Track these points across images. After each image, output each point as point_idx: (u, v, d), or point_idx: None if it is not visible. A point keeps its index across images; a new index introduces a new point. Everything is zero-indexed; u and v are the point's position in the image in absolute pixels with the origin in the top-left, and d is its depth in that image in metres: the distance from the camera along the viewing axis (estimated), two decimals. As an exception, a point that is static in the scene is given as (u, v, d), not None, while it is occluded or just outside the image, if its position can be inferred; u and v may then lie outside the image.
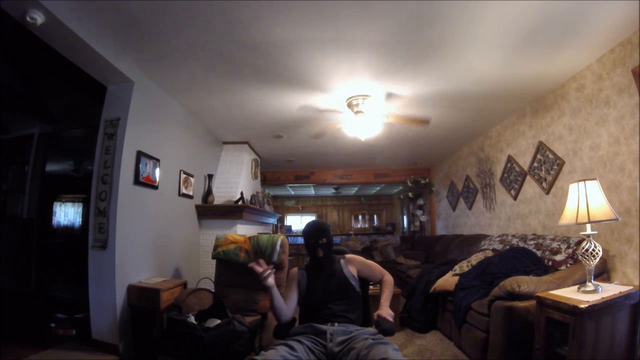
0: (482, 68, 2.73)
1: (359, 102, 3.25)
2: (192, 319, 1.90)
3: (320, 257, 1.76)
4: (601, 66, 2.55)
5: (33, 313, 3.19)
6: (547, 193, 3.24)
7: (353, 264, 1.84)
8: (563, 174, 3.03)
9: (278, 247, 2.64)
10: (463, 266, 3.27)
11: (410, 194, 6.89)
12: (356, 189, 10.13)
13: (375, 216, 11.78)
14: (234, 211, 4.07)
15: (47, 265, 3.60)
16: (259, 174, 5.63)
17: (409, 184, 6.69)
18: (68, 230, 4.03)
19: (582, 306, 1.67)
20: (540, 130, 3.34)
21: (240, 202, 4.14)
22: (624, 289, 1.93)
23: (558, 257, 2.57)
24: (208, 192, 4.11)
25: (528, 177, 3.57)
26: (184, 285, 2.80)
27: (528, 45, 2.38)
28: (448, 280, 3.12)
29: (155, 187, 3.00)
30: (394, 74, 2.82)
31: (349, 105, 3.33)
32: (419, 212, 6.86)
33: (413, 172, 6.86)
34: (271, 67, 2.69)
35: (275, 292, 1.60)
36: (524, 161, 3.63)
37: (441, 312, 3.20)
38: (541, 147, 3.32)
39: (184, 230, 3.63)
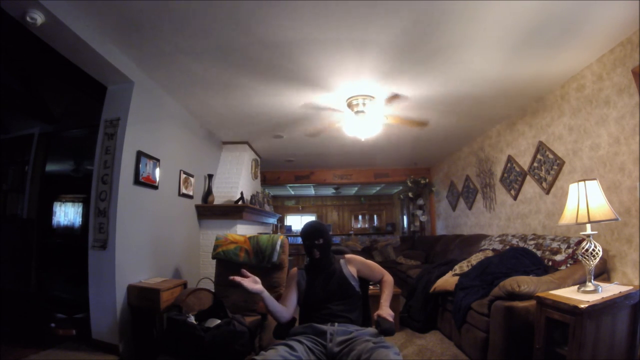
0: (482, 68, 2.73)
1: (359, 102, 3.25)
2: (192, 319, 1.90)
3: (317, 258, 1.76)
4: (601, 66, 2.55)
5: (33, 313, 3.19)
6: (547, 193, 3.24)
7: (353, 264, 1.84)
8: (563, 174, 3.03)
9: (278, 247, 2.64)
10: (463, 266, 3.27)
11: (410, 194, 6.90)
12: (356, 189, 10.13)
13: (375, 216, 11.78)
14: (234, 211, 4.07)
15: (47, 265, 3.60)
16: (259, 174, 5.63)
17: (409, 184, 6.69)
18: (68, 230, 4.03)
19: (582, 306, 1.67)
20: (540, 130, 3.34)
21: (240, 202, 4.14)
22: (624, 289, 1.93)
23: (558, 257, 2.57)
24: (208, 192, 4.11)
25: (528, 177, 3.57)
26: (184, 285, 2.80)
27: (528, 45, 2.38)
28: (448, 280, 3.12)
29: (155, 187, 3.00)
30: (394, 74, 2.82)
31: (349, 105, 3.34)
32: (419, 212, 6.86)
33: (413, 172, 6.86)
34: (271, 67, 2.69)
35: (267, 296, 1.58)
36: (524, 161, 3.63)
37: (441, 312, 3.20)
38: (541, 147, 3.32)
39: (184, 230, 3.63)
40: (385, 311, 1.62)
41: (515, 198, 3.81)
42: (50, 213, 3.94)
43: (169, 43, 2.34)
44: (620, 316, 1.84)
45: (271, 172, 6.92)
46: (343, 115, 3.58)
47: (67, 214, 4.16)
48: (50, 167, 3.88)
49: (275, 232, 6.96)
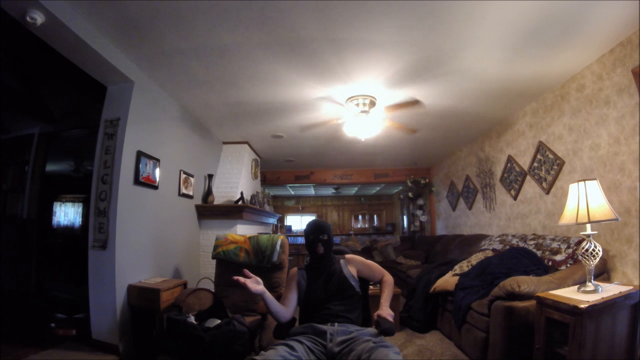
0: (482, 68, 2.73)
1: (359, 101, 3.25)
2: (192, 319, 1.90)
3: (320, 254, 1.76)
4: (601, 66, 2.55)
5: (33, 313, 3.19)
6: (547, 193, 3.24)
7: (353, 264, 1.84)
8: (563, 174, 3.03)
9: (278, 247, 2.64)
10: (463, 266, 3.27)
11: (410, 194, 6.90)
12: (356, 189, 10.13)
13: (375, 216, 11.77)
14: (234, 211, 4.07)
15: (47, 265, 3.61)
16: (259, 174, 5.63)
17: (409, 184, 6.69)
18: (68, 230, 4.03)
19: (582, 306, 1.67)
20: (540, 130, 3.34)
21: (240, 202, 4.14)
22: (624, 289, 1.93)
23: (558, 257, 2.57)
24: (208, 192, 4.11)
25: (528, 177, 3.57)
26: (184, 285, 2.80)
27: (528, 45, 2.38)
28: (448, 280, 3.12)
29: (155, 187, 3.00)
30: (395, 74, 2.82)
31: (350, 105, 3.33)
32: (419, 212, 6.86)
33: (413, 172, 6.86)
34: (271, 67, 2.69)
35: (268, 296, 1.57)
36: (524, 161, 3.63)
37: (441, 312, 3.20)
38: (541, 147, 3.32)
39: (184, 230, 3.63)
40: (385, 311, 1.62)
41: (515, 198, 3.81)
42: (50, 213, 3.95)
43: (169, 43, 2.34)
44: (620, 316, 1.84)
45: (271, 172, 6.93)
46: (343, 114, 3.58)
47: (67, 214, 4.16)
48: (50, 167, 3.88)
49: (275, 232, 6.96)
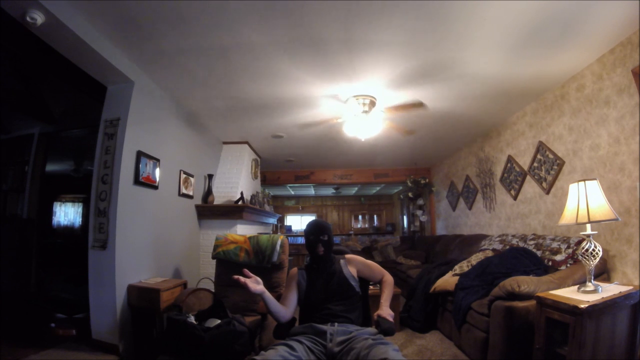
0: (482, 68, 2.73)
1: (359, 101, 3.25)
2: (192, 319, 1.90)
3: (321, 254, 1.76)
4: (601, 66, 2.55)
5: (33, 313, 3.19)
6: (547, 193, 3.24)
7: (353, 264, 1.84)
8: (563, 174, 3.03)
9: (278, 247, 2.64)
10: (463, 266, 3.27)
11: (410, 194, 6.90)
12: (356, 189, 10.13)
13: (375, 216, 11.78)
14: (234, 211, 4.07)
15: (47, 265, 3.60)
16: (259, 174, 5.64)
17: (409, 184, 6.69)
18: (68, 230, 4.03)
19: (582, 306, 1.67)
20: (540, 130, 3.34)
21: (240, 202, 4.14)
22: (624, 289, 1.93)
23: (558, 257, 2.57)
24: (208, 192, 4.11)
25: (528, 177, 3.57)
26: (184, 285, 2.80)
27: (528, 45, 2.38)
28: (448, 280, 3.12)
29: (155, 187, 3.00)
30: (395, 74, 2.82)
31: (350, 105, 3.33)
32: (419, 212, 6.86)
33: (413, 172, 6.86)
34: (271, 67, 2.69)
35: (268, 296, 1.57)
36: (524, 161, 3.63)
37: (441, 312, 3.20)
38: (541, 147, 3.32)
39: (184, 230, 3.63)
40: (385, 311, 1.62)
41: (515, 198, 3.81)
42: (50, 213, 3.94)
43: (169, 43, 2.34)
44: (620, 316, 1.84)
45: (271, 172, 6.92)
46: (344, 113, 3.58)
47: (67, 214, 4.15)
48: (50, 167, 3.88)
49: (275, 232, 6.96)
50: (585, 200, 1.97)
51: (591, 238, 1.94)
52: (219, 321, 1.91)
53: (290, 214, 11.62)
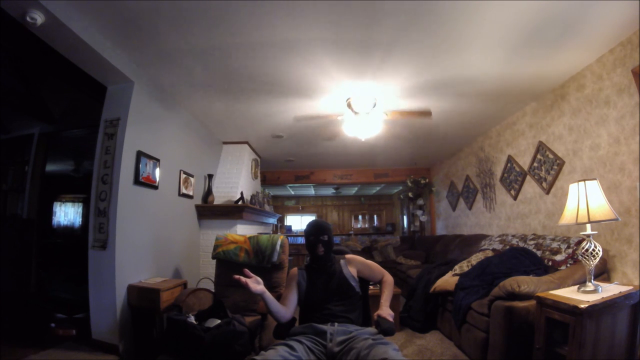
0: (482, 68, 2.73)
1: (359, 102, 3.25)
2: (192, 319, 1.90)
3: (321, 254, 1.75)
4: (601, 66, 2.55)
5: (33, 313, 3.19)
6: (547, 193, 3.24)
7: (353, 264, 1.84)
8: (563, 174, 3.03)
9: (278, 247, 2.64)
10: (463, 266, 3.27)
11: (410, 194, 6.90)
12: (356, 189, 10.13)
13: (375, 216, 11.77)
14: (234, 211, 4.07)
15: (47, 265, 3.60)
16: (259, 174, 5.63)
17: (409, 184, 6.69)
18: (68, 230, 4.02)
19: (582, 306, 1.67)
20: (540, 130, 3.34)
21: (240, 202, 4.13)
22: (624, 289, 1.93)
23: (558, 257, 2.57)
24: (208, 192, 4.11)
25: (528, 177, 3.57)
26: (184, 285, 2.80)
27: (528, 45, 2.38)
28: (448, 280, 3.12)
29: (155, 187, 3.00)
30: (395, 74, 2.82)
31: (349, 106, 3.33)
32: (419, 212, 6.86)
33: (413, 172, 6.86)
34: (271, 67, 2.69)
35: (268, 296, 1.57)
36: (524, 161, 3.63)
37: (441, 312, 3.20)
38: (541, 147, 3.32)
39: (184, 230, 3.63)
40: (385, 311, 1.62)
41: (515, 198, 3.81)
42: (50, 213, 3.94)
43: (170, 43, 2.34)
44: (620, 316, 1.84)
45: (271, 172, 6.92)
46: (344, 116, 3.58)
47: (67, 214, 4.15)
48: (50, 167, 3.88)
49: (275, 232, 6.96)
50: (585, 200, 1.97)
51: (591, 238, 1.94)
52: (219, 321, 1.91)
53: (290, 214, 11.62)
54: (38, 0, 1.75)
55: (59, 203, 4.10)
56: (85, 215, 3.83)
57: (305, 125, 4.06)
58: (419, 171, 6.93)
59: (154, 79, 2.90)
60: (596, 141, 2.63)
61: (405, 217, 8.91)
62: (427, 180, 6.68)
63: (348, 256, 1.89)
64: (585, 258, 1.94)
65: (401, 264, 5.49)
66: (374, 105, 3.34)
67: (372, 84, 3.01)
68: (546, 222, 3.28)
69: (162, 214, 3.13)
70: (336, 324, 1.59)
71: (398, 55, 2.53)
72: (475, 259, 3.28)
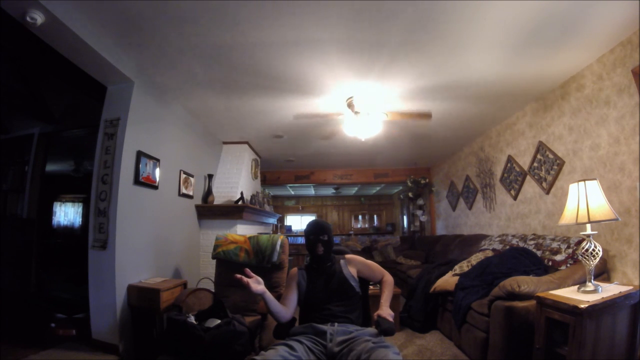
0: (483, 68, 2.73)
1: (360, 102, 3.25)
2: (192, 319, 1.90)
3: (320, 254, 1.75)
4: (601, 66, 2.55)
5: (33, 313, 3.19)
6: (547, 193, 3.24)
7: (353, 264, 1.84)
8: (563, 174, 3.03)
9: (278, 247, 2.64)
10: (463, 266, 3.27)
11: (410, 194, 6.90)
12: (356, 189, 10.13)
13: (375, 216, 11.78)
14: (234, 211, 4.07)
15: (47, 265, 3.60)
16: (259, 174, 5.63)
17: (409, 184, 6.69)
18: (68, 230, 4.03)
19: (582, 306, 1.67)
20: (540, 130, 3.34)
21: (240, 202, 4.13)
22: (624, 289, 1.93)
23: (558, 257, 2.57)
24: (208, 192, 4.11)
25: (528, 177, 3.57)
26: (184, 285, 2.80)
27: (528, 45, 2.38)
28: (448, 281, 3.12)
29: (155, 187, 3.00)
30: (395, 74, 2.82)
31: (349, 106, 3.33)
32: (419, 212, 6.86)
33: (413, 172, 6.86)
34: (271, 67, 2.69)
35: (268, 296, 1.57)
36: (524, 161, 3.63)
37: (441, 312, 3.20)
38: (541, 147, 3.32)
39: (184, 230, 3.63)
40: (385, 311, 1.62)
41: (515, 198, 3.81)
42: (50, 213, 3.94)
43: (169, 43, 2.34)
44: (620, 316, 1.84)
45: (271, 172, 6.92)
46: (344, 116, 3.58)
47: (67, 214, 4.16)
48: (50, 167, 3.88)
49: (275, 232, 6.96)
50: (585, 200, 1.97)
51: (591, 238, 1.94)
52: (219, 321, 1.91)
53: (290, 214, 11.62)
54: (38, 0, 1.75)
55: (59, 203, 4.11)
56: (85, 215, 3.84)
57: (305, 123, 4.06)
58: (419, 171, 6.93)
59: (154, 78, 2.90)
60: (596, 141, 2.63)
61: (405, 217, 8.91)
62: (427, 180, 6.68)
63: (348, 256, 1.89)
64: (585, 258, 1.94)
65: (401, 264, 5.49)
66: (375, 106, 3.34)
67: (373, 84, 3.01)
68: (546, 222, 3.28)
69: (162, 214, 3.13)
70: (336, 324, 1.59)
71: (402, 57, 2.53)
72: (475, 259, 3.28)
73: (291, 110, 3.59)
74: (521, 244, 3.12)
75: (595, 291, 1.88)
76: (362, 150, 5.34)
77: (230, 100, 3.36)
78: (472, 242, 4.19)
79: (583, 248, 1.94)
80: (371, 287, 2.17)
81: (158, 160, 3.02)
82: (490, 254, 3.26)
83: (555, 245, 2.71)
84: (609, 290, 1.92)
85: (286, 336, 1.60)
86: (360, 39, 2.29)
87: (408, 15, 2.05)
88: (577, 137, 2.84)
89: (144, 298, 2.50)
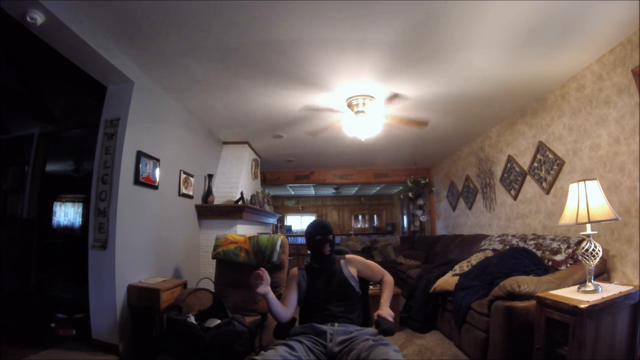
0: (483, 68, 2.73)
1: (360, 102, 3.25)
2: (192, 319, 1.90)
3: (327, 254, 1.77)
4: (601, 66, 2.55)
5: (33, 313, 3.19)
6: (547, 193, 3.24)
7: (353, 264, 1.84)
8: (563, 174, 3.03)
9: (278, 247, 2.64)
10: (463, 266, 3.27)
11: (410, 194, 6.90)
12: (356, 189, 10.13)
13: (375, 216, 11.78)
14: (234, 211, 4.07)
15: (47, 265, 3.60)
16: (259, 174, 5.63)
17: (409, 184, 6.69)
18: (68, 230, 4.03)
19: (582, 306, 1.67)
20: (540, 130, 3.34)
21: (240, 202, 4.13)
22: (624, 289, 1.93)
23: (558, 257, 2.57)
24: (208, 192, 4.11)
25: (528, 177, 3.57)
26: (184, 285, 2.80)
27: (528, 45, 2.38)
28: (448, 281, 3.12)
29: (155, 187, 3.00)
30: (395, 75, 2.82)
31: (349, 105, 3.33)
32: (419, 212, 6.86)
33: (413, 172, 6.86)
34: (271, 67, 2.69)
35: (271, 297, 1.58)
36: (524, 161, 3.63)
37: (441, 312, 3.20)
38: (541, 147, 3.32)
39: (184, 230, 3.63)
40: (385, 311, 1.62)
41: (515, 198, 3.81)
42: (50, 213, 3.94)
43: (169, 43, 2.34)
44: (620, 316, 1.84)
45: (271, 172, 6.92)
46: (343, 114, 3.58)
47: (67, 214, 4.16)
48: (50, 167, 3.88)
49: (275, 232, 6.96)
50: (585, 200, 1.97)
51: (591, 238, 1.94)
52: (219, 321, 1.91)
53: (290, 214, 11.62)
54: (38, 0, 1.75)
55: (59, 203, 4.11)
56: (85, 215, 3.84)
57: (305, 121, 4.05)
58: (419, 171, 6.93)
59: (154, 79, 2.90)
60: (596, 141, 2.63)
61: (405, 217, 8.91)
62: (427, 180, 6.68)
63: (348, 256, 1.89)
64: (585, 258, 1.94)
65: (401, 264, 5.49)
66: (374, 106, 3.34)
67: (374, 84, 3.01)
68: (546, 222, 3.28)
69: (162, 214, 3.13)
70: (336, 324, 1.59)
71: (402, 57, 2.52)
72: (475, 259, 3.28)
73: (292, 108, 3.58)
74: (521, 244, 3.12)
75: (595, 291, 1.88)
76: (362, 150, 5.34)
77: (231, 100, 3.36)
78: (472, 242, 4.19)
79: (583, 248, 1.94)
80: (371, 287, 2.17)
81: (158, 160, 3.02)
82: (490, 254, 3.26)
83: (555, 245, 2.71)
84: (609, 290, 1.92)
85: (286, 336, 1.60)
86: (360, 39, 2.29)
87: (408, 15, 2.04)
88: (577, 137, 2.84)
89: (144, 298, 2.50)
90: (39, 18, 1.84)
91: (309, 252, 1.88)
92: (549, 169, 3.21)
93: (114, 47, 2.39)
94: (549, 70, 2.76)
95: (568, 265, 2.45)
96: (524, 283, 2.13)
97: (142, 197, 2.83)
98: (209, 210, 4.02)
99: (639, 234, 2.23)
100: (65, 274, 3.57)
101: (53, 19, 1.88)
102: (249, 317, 2.27)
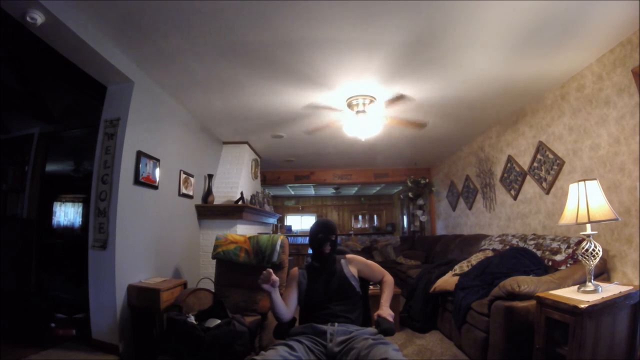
0: (483, 68, 2.73)
1: (360, 102, 3.25)
2: (192, 319, 1.90)
3: (327, 253, 1.78)
4: (601, 66, 2.55)
5: (33, 313, 3.19)
6: (547, 193, 3.24)
7: (353, 264, 1.84)
8: (563, 174, 3.03)
9: (278, 247, 2.64)
10: (463, 266, 3.27)
11: (410, 194, 6.89)
12: (356, 189, 10.13)
13: (375, 216, 11.77)
14: (234, 211, 4.07)
15: (47, 265, 3.60)
16: (259, 174, 5.63)
17: (409, 184, 6.69)
18: (68, 230, 4.02)
19: (582, 306, 1.67)
20: (540, 130, 3.34)
21: (240, 202, 4.13)
22: (624, 289, 1.93)
23: (558, 257, 2.57)
24: (208, 192, 4.11)
25: (528, 177, 3.57)
26: (184, 285, 2.80)
27: (528, 45, 2.38)
28: (448, 280, 3.12)
29: (155, 187, 3.00)
30: (395, 75, 2.82)
31: (349, 105, 3.33)
32: (419, 212, 6.86)
33: (413, 172, 6.86)
34: (271, 67, 2.69)
35: (275, 296, 1.60)
36: (524, 161, 3.63)
37: (441, 312, 3.20)
38: (541, 147, 3.32)
39: (184, 230, 3.63)
40: (386, 311, 1.62)
41: (515, 198, 3.81)
42: (50, 213, 3.93)
43: (169, 43, 2.34)
44: (620, 316, 1.84)
45: (271, 172, 6.92)
46: (343, 114, 3.58)
47: (67, 214, 4.15)
48: (50, 167, 3.88)
49: (275, 232, 6.96)
50: (585, 200, 1.97)
51: (591, 238, 1.94)
52: (219, 321, 1.91)
53: (290, 214, 11.62)
54: (38, 0, 1.75)
55: (59, 203, 4.10)
56: (85, 215, 3.83)
57: (304, 120, 4.05)
58: (419, 171, 6.93)
59: (154, 79, 2.90)
60: (596, 141, 2.63)
61: (405, 217, 8.91)
62: (427, 180, 6.68)
63: (349, 256, 1.89)
64: (585, 258, 1.94)
65: (401, 264, 5.49)
66: (375, 106, 3.34)
67: (374, 84, 3.01)
68: (546, 222, 3.28)
69: (162, 214, 3.13)
70: (336, 324, 1.59)
71: (402, 57, 2.52)
72: (475, 259, 3.28)
73: (292, 109, 3.58)
74: (521, 244, 3.12)
75: (595, 291, 1.88)
76: (362, 150, 5.34)
77: (231, 100, 3.36)
78: (472, 242, 4.19)
79: (583, 248, 1.94)
80: (371, 287, 2.17)
81: (158, 160, 3.02)
82: (490, 254, 3.26)
83: (555, 245, 2.71)
84: (609, 290, 1.92)
85: (286, 336, 1.60)
86: (360, 38, 2.29)
87: (408, 15, 2.05)
88: (577, 137, 2.84)
89: (144, 298, 2.50)
90: (39, 18, 1.84)
91: (310, 251, 1.89)
92: (549, 169, 3.21)
93: (114, 47, 2.39)
94: (549, 70, 2.76)
95: (568, 265, 2.45)
96: (524, 283, 2.13)
97: (142, 197, 2.83)
98: (209, 210, 4.02)
99: (639, 234, 2.23)
100: (65, 274, 3.56)
101: (53, 19, 1.88)
102: (249, 317, 2.27)
